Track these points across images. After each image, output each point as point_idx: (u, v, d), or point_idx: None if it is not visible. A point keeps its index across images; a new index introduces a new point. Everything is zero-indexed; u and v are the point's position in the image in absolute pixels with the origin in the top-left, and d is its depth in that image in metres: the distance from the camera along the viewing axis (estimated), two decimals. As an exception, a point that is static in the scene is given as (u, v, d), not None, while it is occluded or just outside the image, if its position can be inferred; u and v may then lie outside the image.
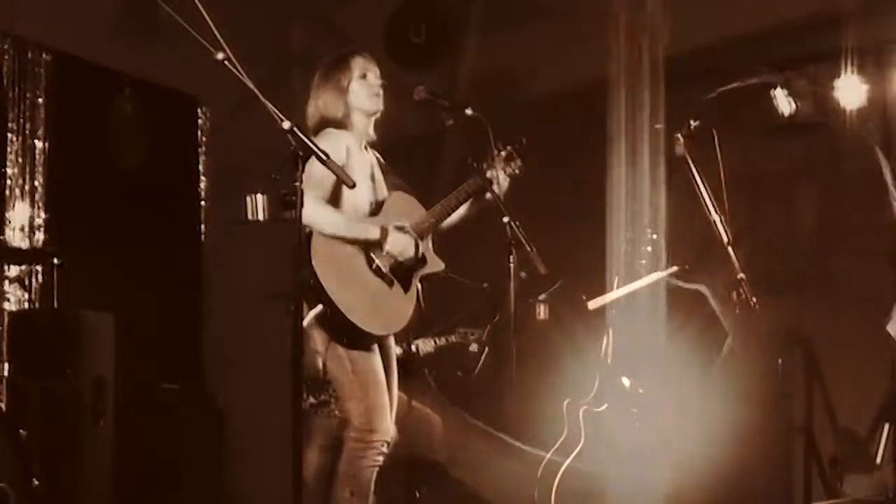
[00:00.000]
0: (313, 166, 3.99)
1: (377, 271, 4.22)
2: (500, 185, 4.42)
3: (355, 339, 4.16)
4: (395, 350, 4.49)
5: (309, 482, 4.54)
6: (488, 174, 4.41)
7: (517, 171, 4.52)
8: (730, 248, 4.15)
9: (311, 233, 4.09)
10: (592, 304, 4.81)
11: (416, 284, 4.33)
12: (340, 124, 4.30)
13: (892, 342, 6.41)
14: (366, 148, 4.38)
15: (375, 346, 4.24)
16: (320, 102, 4.34)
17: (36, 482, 4.42)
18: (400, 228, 4.26)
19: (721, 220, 4.17)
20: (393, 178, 4.44)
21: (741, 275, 4.11)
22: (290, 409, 3.32)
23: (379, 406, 4.16)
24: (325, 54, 4.47)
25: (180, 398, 6.39)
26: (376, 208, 4.32)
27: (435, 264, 4.41)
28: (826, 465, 6.31)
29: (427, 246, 4.39)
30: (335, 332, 4.15)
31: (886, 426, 6.16)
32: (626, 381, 5.21)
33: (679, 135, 4.32)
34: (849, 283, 9.45)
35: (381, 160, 4.47)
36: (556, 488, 4.95)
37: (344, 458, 4.20)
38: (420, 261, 4.32)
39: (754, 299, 4.08)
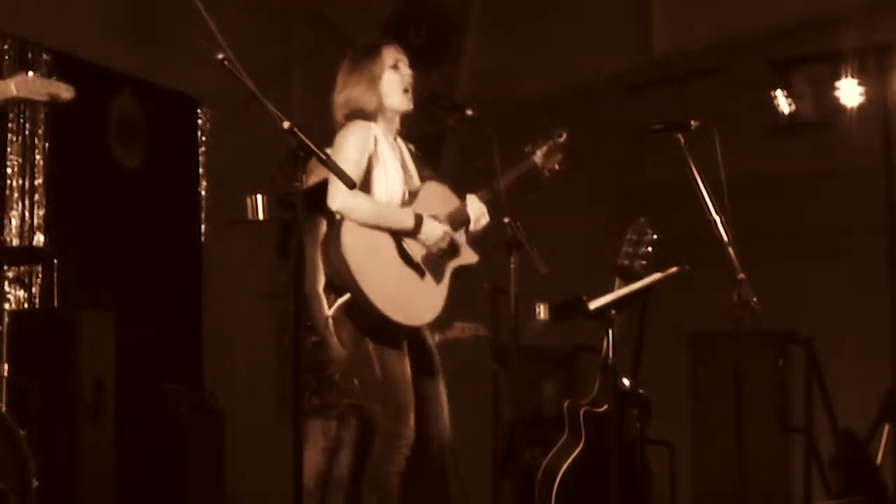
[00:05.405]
0: (342, 154, 3.97)
1: (408, 260, 4.08)
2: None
3: (385, 334, 4.02)
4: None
5: (309, 485, 4.49)
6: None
7: (557, 167, 4.47)
8: (730, 249, 4.14)
9: (340, 220, 3.96)
10: (593, 305, 4.79)
11: (448, 276, 4.18)
12: (370, 116, 4.17)
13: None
14: (396, 138, 4.30)
15: (405, 345, 4.09)
16: (352, 94, 4.17)
17: (36, 482, 4.41)
18: (433, 218, 4.14)
19: (721, 220, 4.15)
20: (424, 171, 4.35)
21: (741, 275, 4.10)
22: (291, 408, 3.31)
23: (405, 409, 4.03)
24: (357, 43, 4.31)
25: (180, 398, 6.38)
26: (410, 199, 4.19)
27: (469, 256, 4.27)
28: (826, 465, 6.31)
29: (461, 237, 4.26)
30: (364, 325, 4.01)
31: (886, 426, 6.16)
32: (625, 381, 5.20)
33: (678, 135, 4.31)
34: (848, 282, 9.45)
35: (413, 151, 4.37)
36: (556, 488, 4.95)
37: (370, 464, 4.08)
38: (453, 252, 4.21)
39: (754, 299, 4.07)
